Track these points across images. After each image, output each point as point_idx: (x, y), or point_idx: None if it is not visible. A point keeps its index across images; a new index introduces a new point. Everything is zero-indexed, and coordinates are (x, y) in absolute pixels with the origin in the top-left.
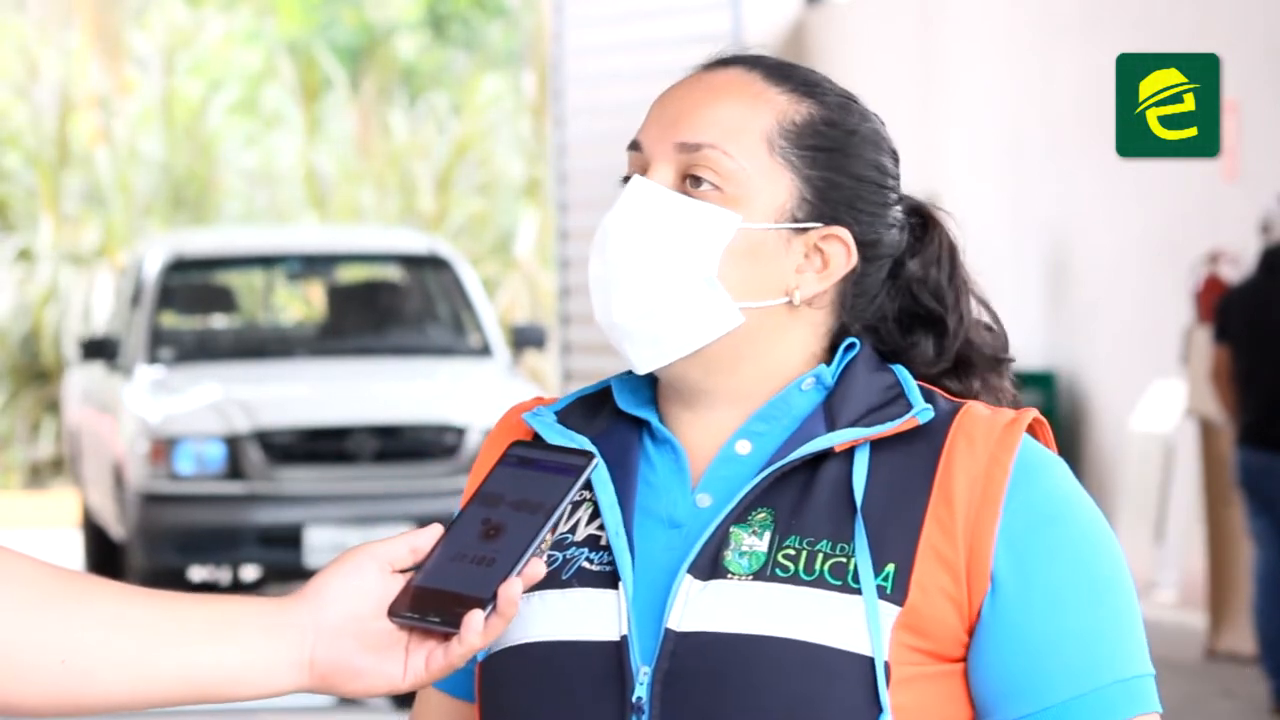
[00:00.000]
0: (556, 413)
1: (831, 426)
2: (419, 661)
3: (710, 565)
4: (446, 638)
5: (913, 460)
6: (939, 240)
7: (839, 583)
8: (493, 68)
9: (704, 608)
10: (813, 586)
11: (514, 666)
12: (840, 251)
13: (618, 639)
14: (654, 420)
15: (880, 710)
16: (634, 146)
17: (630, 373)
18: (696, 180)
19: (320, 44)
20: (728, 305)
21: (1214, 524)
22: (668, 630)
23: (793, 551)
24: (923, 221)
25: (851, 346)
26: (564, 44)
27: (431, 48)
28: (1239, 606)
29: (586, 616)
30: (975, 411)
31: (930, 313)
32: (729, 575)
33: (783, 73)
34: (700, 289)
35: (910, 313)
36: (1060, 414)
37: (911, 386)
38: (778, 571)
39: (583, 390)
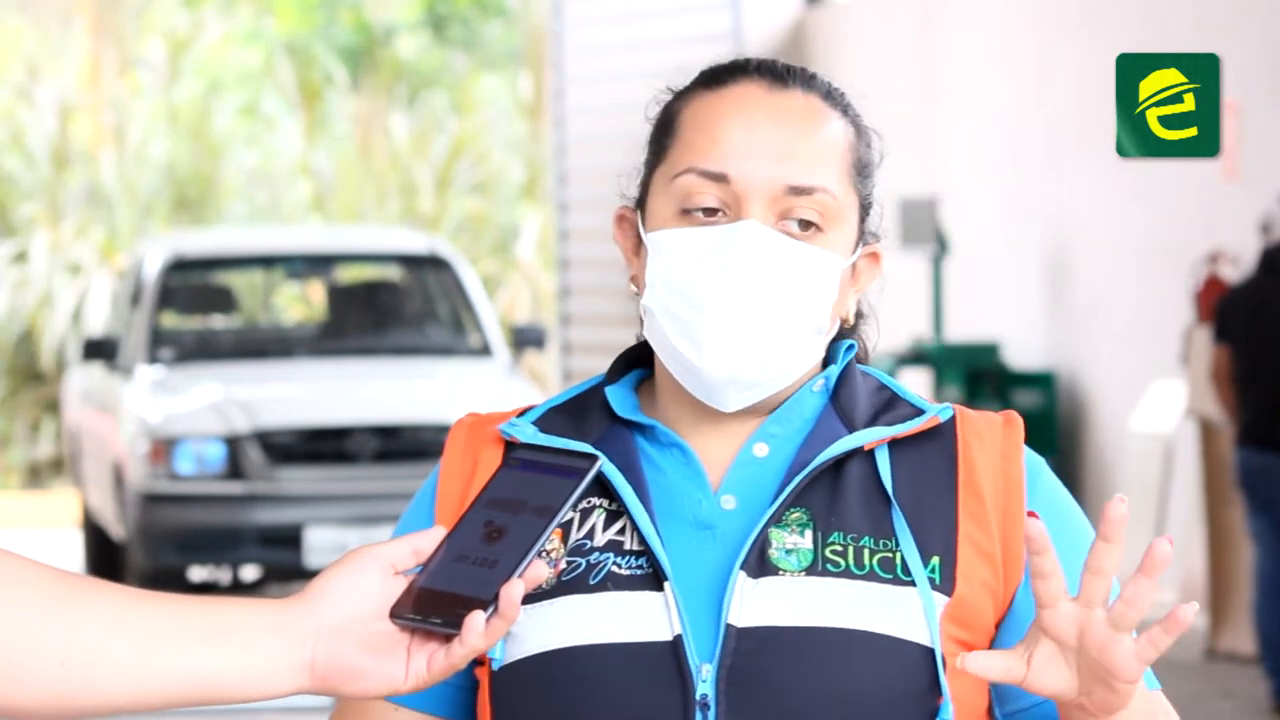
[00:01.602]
0: (534, 421)
1: (851, 426)
2: (420, 663)
3: (758, 563)
4: (448, 639)
5: (929, 458)
6: None
7: (890, 576)
8: (492, 68)
9: (760, 603)
10: (866, 580)
11: (550, 672)
12: (870, 264)
13: (670, 639)
14: (659, 426)
15: (942, 698)
16: (715, 177)
17: (615, 378)
18: (805, 224)
19: (320, 44)
20: (821, 344)
21: (1214, 524)
22: (729, 626)
23: (839, 547)
24: None
25: (851, 349)
26: (564, 44)
27: (431, 48)
28: (1239, 606)
29: (628, 618)
30: (970, 412)
31: None
32: (780, 572)
33: (830, 93)
34: (812, 337)
35: None
36: (1060, 414)
37: (902, 388)
38: (829, 567)
39: (554, 400)
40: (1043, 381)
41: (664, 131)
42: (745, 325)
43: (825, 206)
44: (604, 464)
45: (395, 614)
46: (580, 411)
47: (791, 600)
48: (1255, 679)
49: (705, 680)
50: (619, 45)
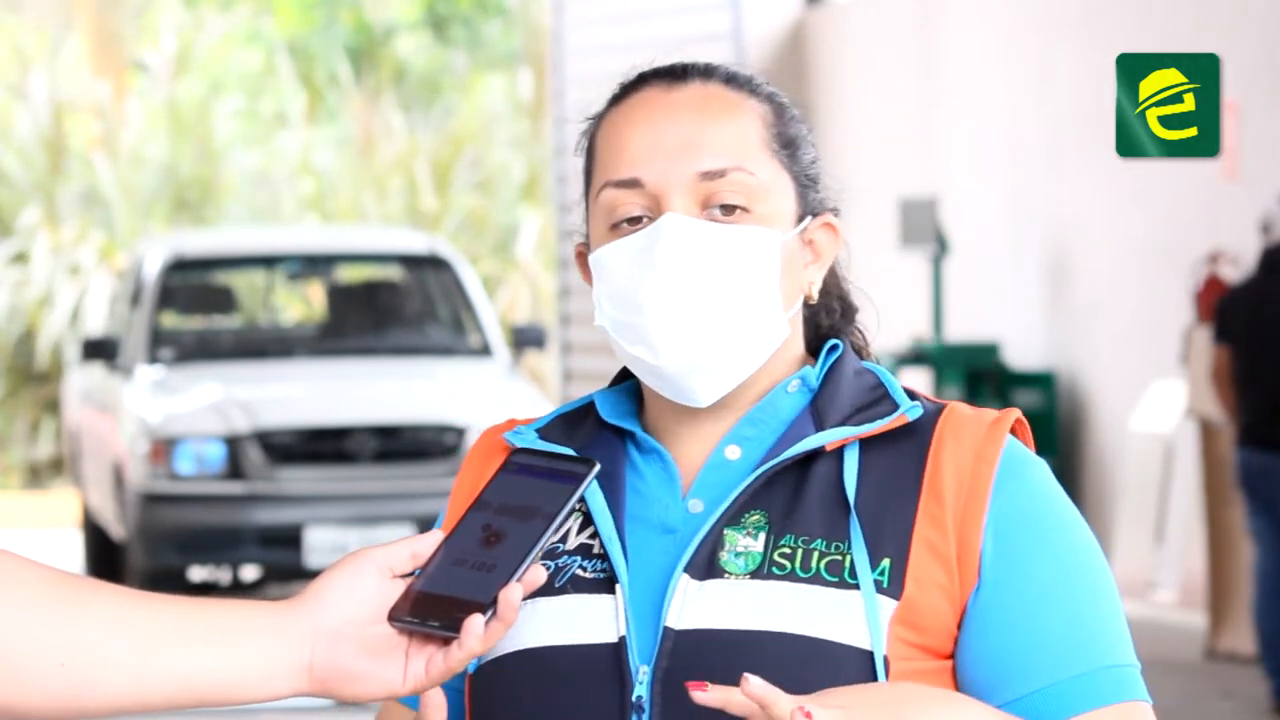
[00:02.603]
0: (538, 430)
1: (820, 427)
2: (419, 666)
3: (706, 566)
4: (446, 642)
5: (901, 457)
6: None
7: (835, 579)
8: (492, 68)
9: (702, 606)
10: (810, 583)
11: (509, 673)
12: (828, 236)
13: (615, 640)
14: (638, 431)
15: None
16: (628, 184)
17: (615, 385)
18: (728, 208)
19: (320, 44)
20: (782, 320)
21: (1214, 524)
22: (666, 629)
23: (789, 550)
24: None
25: (835, 348)
26: (564, 44)
27: (431, 48)
28: (1239, 606)
29: (583, 621)
30: (960, 410)
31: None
32: (726, 575)
33: (734, 77)
34: (765, 314)
35: None
36: (1060, 414)
37: (895, 386)
38: (774, 570)
39: (564, 407)
40: (1043, 381)
41: (587, 158)
42: (688, 314)
43: (745, 185)
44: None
45: (393, 617)
46: (578, 419)
47: (733, 604)
48: (1255, 679)
49: (642, 682)
50: (619, 45)
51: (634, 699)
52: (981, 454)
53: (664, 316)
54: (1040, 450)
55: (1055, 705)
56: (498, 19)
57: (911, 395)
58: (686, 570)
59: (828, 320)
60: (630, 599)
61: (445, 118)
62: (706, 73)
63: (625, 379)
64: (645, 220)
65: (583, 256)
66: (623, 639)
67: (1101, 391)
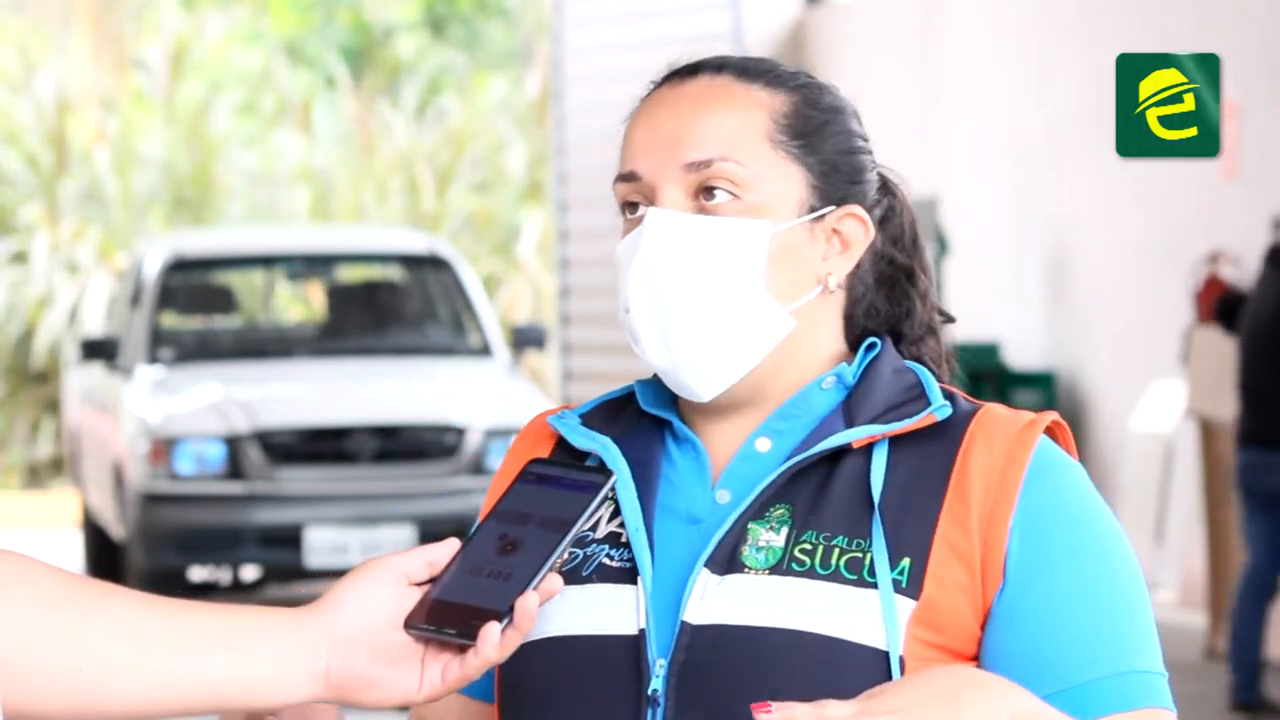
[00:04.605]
0: (581, 415)
1: (851, 424)
2: (435, 673)
3: (727, 560)
4: (462, 650)
5: (930, 457)
6: (901, 199)
7: (854, 577)
8: (493, 68)
9: (720, 601)
10: (829, 580)
11: (533, 661)
12: (857, 228)
13: (635, 633)
14: (675, 420)
15: None
16: (628, 177)
17: (653, 375)
18: (710, 192)
19: (319, 44)
20: (779, 313)
21: (1214, 524)
22: (683, 623)
23: (809, 546)
24: (882, 183)
25: (873, 346)
26: (564, 44)
27: (431, 48)
28: None
29: (606, 611)
30: (995, 412)
31: (905, 269)
32: (746, 570)
33: (749, 69)
34: (753, 306)
35: (888, 276)
36: (1060, 414)
37: (932, 386)
38: (794, 566)
39: (607, 395)
40: (1043, 381)
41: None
42: (663, 309)
43: (733, 175)
44: (618, 473)
45: (410, 625)
46: (621, 406)
47: (749, 599)
48: None
49: (658, 675)
50: (619, 45)
51: (649, 692)
52: (1012, 455)
53: (644, 312)
54: None
55: (1079, 706)
56: (498, 19)
57: (949, 396)
58: (708, 564)
59: (871, 320)
60: (652, 591)
61: (445, 118)
62: (718, 66)
63: None
64: (642, 211)
65: None
66: (642, 631)
67: (1101, 391)
